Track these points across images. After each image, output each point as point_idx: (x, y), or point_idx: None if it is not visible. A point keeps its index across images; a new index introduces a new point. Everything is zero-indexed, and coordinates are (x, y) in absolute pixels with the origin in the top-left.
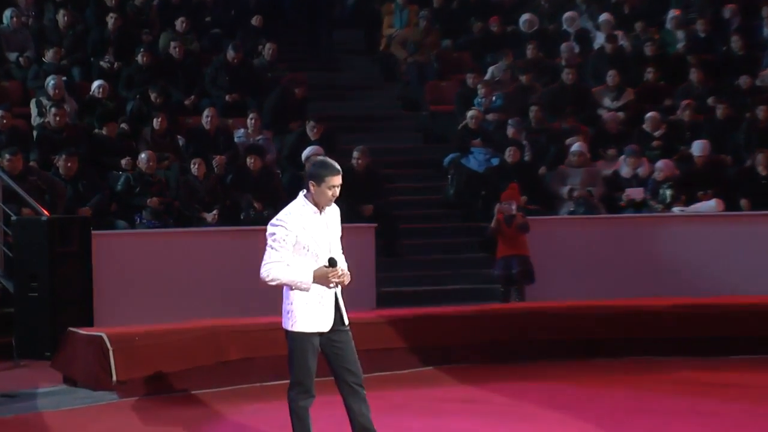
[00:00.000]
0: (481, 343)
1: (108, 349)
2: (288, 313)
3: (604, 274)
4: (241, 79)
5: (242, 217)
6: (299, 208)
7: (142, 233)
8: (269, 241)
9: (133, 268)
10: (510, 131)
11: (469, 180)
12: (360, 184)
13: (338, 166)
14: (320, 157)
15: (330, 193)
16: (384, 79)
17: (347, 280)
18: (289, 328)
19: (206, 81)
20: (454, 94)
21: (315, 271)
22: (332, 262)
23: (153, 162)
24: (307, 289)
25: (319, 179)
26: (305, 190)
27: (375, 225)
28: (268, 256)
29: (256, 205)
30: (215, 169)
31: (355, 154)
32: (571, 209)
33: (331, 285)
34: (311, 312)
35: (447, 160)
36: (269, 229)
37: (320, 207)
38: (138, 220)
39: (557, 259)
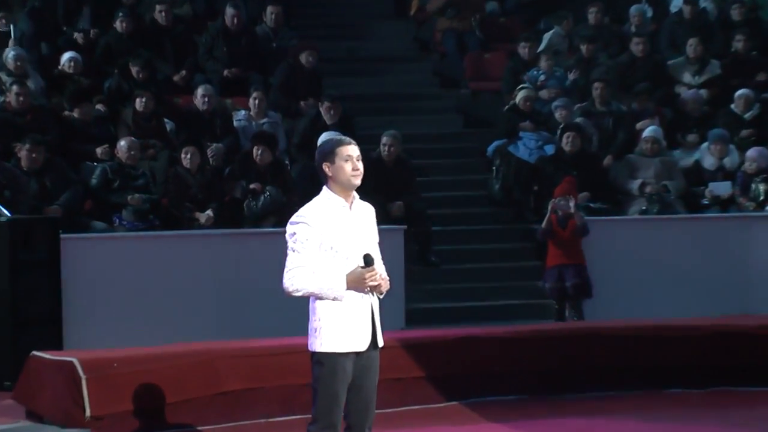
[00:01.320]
0: (530, 371)
1: (80, 378)
2: (315, 331)
3: (681, 288)
4: (241, 50)
5: (246, 212)
6: (323, 201)
7: (121, 237)
8: (290, 243)
9: (111, 279)
10: (566, 113)
11: (519, 172)
12: (387, 178)
13: (349, 139)
14: (323, 137)
15: (349, 167)
16: (416, 51)
17: (386, 286)
18: (317, 349)
19: (200, 52)
20: (501, 68)
21: (348, 275)
22: (368, 260)
23: (135, 151)
24: (339, 299)
25: (330, 155)
26: (325, 187)
27: (404, 227)
28: (290, 261)
29: (253, 186)
30: (211, 159)
31: (384, 140)
32: (643, 208)
33: (366, 290)
34: (344, 328)
35: (491, 148)
36: (289, 228)
37: (348, 198)
38: (117, 221)
39: (623, 268)
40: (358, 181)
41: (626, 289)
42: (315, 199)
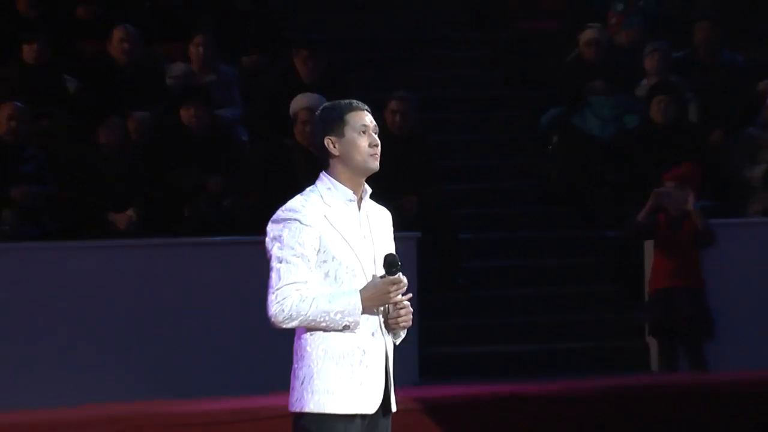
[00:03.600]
0: None
1: None
2: (302, 381)
3: None
4: None
5: (186, 215)
6: (323, 192)
7: None
8: (274, 252)
9: None
10: (661, 64)
11: (587, 153)
12: (395, 161)
13: (360, 103)
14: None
15: (365, 142)
16: None
17: (409, 320)
18: (305, 409)
19: None
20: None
21: (362, 291)
22: (392, 263)
23: (20, 122)
24: (353, 327)
25: (337, 126)
26: (323, 172)
27: (418, 234)
28: (278, 276)
29: (210, 184)
30: (132, 134)
31: (391, 106)
32: None
33: (395, 317)
34: (348, 379)
35: (547, 117)
36: (272, 230)
37: (358, 189)
38: None
39: (747, 291)
40: (376, 164)
41: (755, 323)
42: (309, 190)
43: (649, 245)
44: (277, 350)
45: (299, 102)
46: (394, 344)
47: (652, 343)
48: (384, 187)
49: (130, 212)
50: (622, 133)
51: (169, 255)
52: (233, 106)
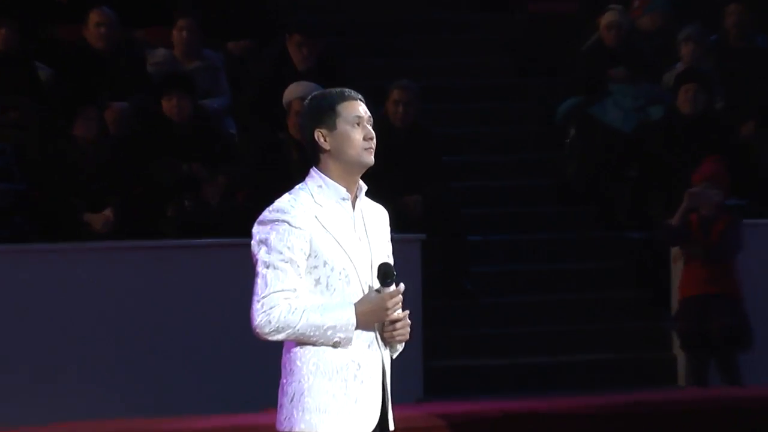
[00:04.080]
0: None
1: None
2: (292, 399)
3: None
4: None
5: (169, 214)
6: (313, 191)
7: None
8: (260, 256)
9: None
10: (696, 50)
11: (608, 147)
12: (397, 155)
13: (353, 92)
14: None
15: (359, 134)
16: None
17: (406, 333)
18: (295, 428)
19: None
20: None
21: (357, 305)
22: (387, 272)
23: None
24: (345, 343)
25: (327, 117)
26: (313, 168)
27: (423, 236)
28: (264, 283)
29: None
30: (110, 127)
31: (394, 96)
32: None
33: (391, 330)
34: (342, 396)
35: (563, 108)
36: (258, 232)
37: (352, 187)
38: None
39: None
40: (371, 158)
41: None
42: (299, 188)
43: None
44: (268, 363)
45: (293, 91)
46: (391, 357)
47: (680, 354)
48: (385, 185)
49: (107, 212)
50: (645, 125)
51: (150, 259)
52: (220, 96)
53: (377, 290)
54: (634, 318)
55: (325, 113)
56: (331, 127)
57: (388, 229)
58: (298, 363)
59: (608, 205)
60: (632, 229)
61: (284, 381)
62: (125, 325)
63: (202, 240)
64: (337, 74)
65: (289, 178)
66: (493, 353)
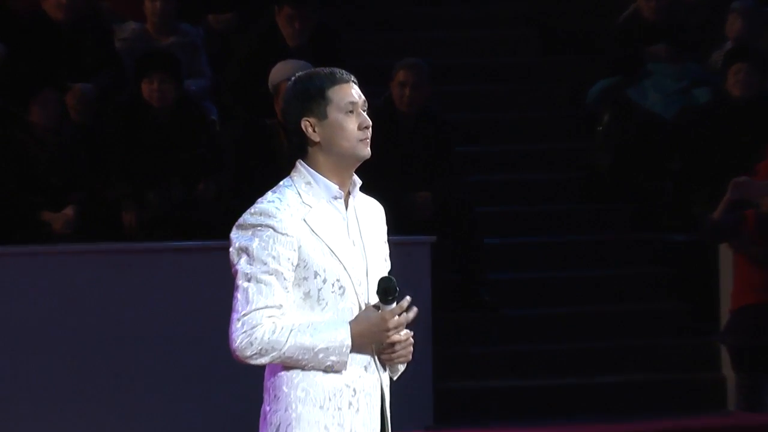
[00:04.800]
0: None
1: None
2: (276, 429)
3: None
4: None
5: (149, 199)
6: (300, 188)
7: None
8: (240, 266)
9: None
10: (736, 25)
11: (645, 135)
12: (404, 145)
13: (344, 73)
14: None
15: (353, 124)
16: None
17: (409, 352)
18: None
19: None
20: None
21: (353, 323)
22: (387, 289)
23: None
24: (338, 368)
25: (316, 103)
26: (300, 161)
27: (434, 238)
28: (245, 299)
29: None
30: (72, 112)
31: (399, 77)
32: None
33: (390, 353)
34: (334, 426)
35: (595, 90)
36: (238, 238)
37: (345, 184)
38: None
39: None
40: (367, 150)
41: None
42: (284, 185)
43: (727, 251)
44: (249, 386)
45: (282, 71)
46: (392, 380)
47: (730, 374)
48: (388, 180)
49: (68, 210)
50: (689, 110)
51: (117, 264)
52: (199, 77)
53: (376, 306)
54: (676, 333)
55: (312, 100)
56: (321, 115)
57: (385, 227)
58: (285, 389)
59: (647, 203)
60: (674, 231)
61: (267, 409)
62: (85, 335)
63: (177, 243)
64: (333, 52)
65: (279, 170)
66: (514, 373)
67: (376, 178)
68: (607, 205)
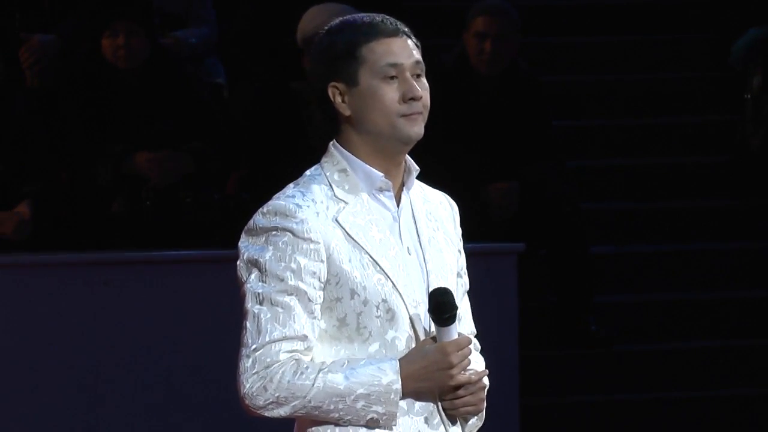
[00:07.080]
0: None
1: None
2: None
3: None
4: None
5: (114, 211)
6: (331, 177)
7: None
8: (251, 285)
9: None
10: None
11: None
12: (484, 119)
13: (389, 23)
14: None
15: (393, 92)
16: None
17: (475, 400)
18: None
19: None
20: None
21: (404, 361)
22: (442, 305)
23: None
24: (387, 421)
25: (347, 63)
26: (333, 143)
27: (522, 245)
28: (257, 329)
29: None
30: (28, 74)
31: (476, 26)
32: None
33: (451, 399)
34: None
35: (743, 44)
36: (247, 247)
37: (394, 172)
38: None
39: None
40: (414, 129)
41: None
42: (310, 176)
43: None
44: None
45: (316, 18)
46: None
47: None
48: (459, 167)
49: (21, 208)
50: None
51: (85, 277)
52: (200, 26)
53: (433, 338)
54: None
55: (341, 59)
56: (351, 80)
57: (459, 231)
58: None
59: None
60: None
61: None
62: (47, 358)
63: (166, 252)
64: None
65: (310, 151)
66: (632, 429)
67: (437, 163)
68: (760, 199)
